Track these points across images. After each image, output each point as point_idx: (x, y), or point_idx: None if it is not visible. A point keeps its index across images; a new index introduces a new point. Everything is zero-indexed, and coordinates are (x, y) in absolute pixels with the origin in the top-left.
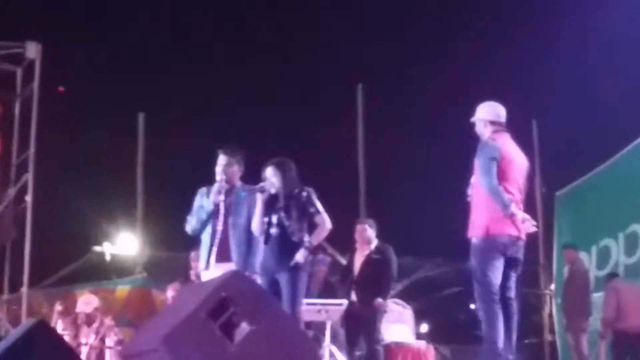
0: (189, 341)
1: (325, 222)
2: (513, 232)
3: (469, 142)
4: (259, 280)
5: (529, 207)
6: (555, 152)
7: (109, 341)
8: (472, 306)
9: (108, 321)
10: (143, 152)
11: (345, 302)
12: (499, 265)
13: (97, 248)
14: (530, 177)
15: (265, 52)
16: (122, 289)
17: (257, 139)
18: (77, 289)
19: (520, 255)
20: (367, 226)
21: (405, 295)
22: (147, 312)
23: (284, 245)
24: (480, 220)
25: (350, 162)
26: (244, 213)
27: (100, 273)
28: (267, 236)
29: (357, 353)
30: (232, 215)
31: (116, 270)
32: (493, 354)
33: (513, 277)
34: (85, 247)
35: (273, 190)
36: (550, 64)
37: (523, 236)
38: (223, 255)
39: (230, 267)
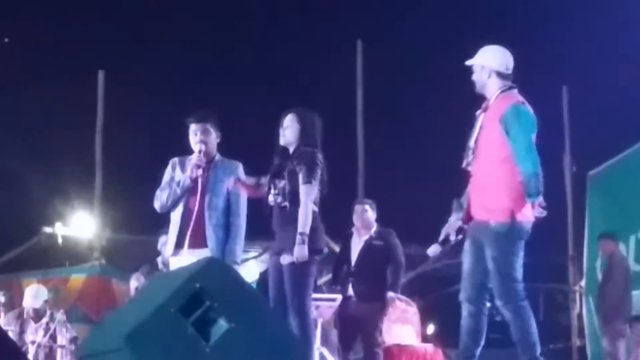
0: (157, 340)
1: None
2: (533, 216)
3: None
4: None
5: (557, 188)
6: (589, 124)
7: (61, 339)
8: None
9: (60, 315)
10: (103, 118)
11: (339, 297)
12: (522, 254)
13: (47, 229)
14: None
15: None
16: (77, 278)
17: (241, 105)
18: (24, 277)
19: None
20: (367, 207)
21: (409, 291)
22: (106, 305)
23: (290, 220)
24: (501, 203)
25: (348, 134)
26: (222, 192)
27: (50, 259)
28: (271, 207)
29: (352, 357)
30: (210, 193)
31: (70, 255)
32: None
33: None
34: (34, 228)
35: (284, 144)
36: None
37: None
38: (197, 240)
39: (205, 253)
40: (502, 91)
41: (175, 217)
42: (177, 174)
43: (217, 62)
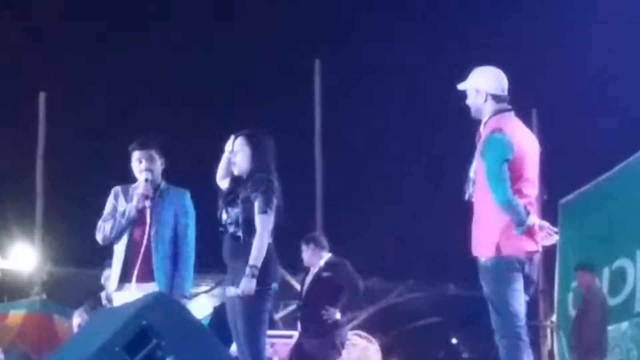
0: None
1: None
2: (531, 246)
3: (449, 132)
4: (188, 305)
5: None
6: (560, 150)
7: None
8: (454, 340)
9: None
10: (44, 142)
11: (295, 334)
12: (519, 287)
13: None
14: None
15: (202, 19)
16: (16, 314)
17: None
18: None
19: (535, 273)
20: (304, 246)
21: (370, 327)
22: (47, 343)
23: (243, 251)
24: (488, 236)
25: (306, 155)
26: (169, 222)
27: None
28: (224, 238)
29: None
30: (156, 224)
31: (9, 290)
32: None
33: (526, 299)
34: None
35: (235, 172)
36: (555, 43)
37: (539, 248)
38: (145, 273)
39: (153, 287)
40: (491, 116)
41: (120, 249)
42: (120, 204)
43: (167, 81)
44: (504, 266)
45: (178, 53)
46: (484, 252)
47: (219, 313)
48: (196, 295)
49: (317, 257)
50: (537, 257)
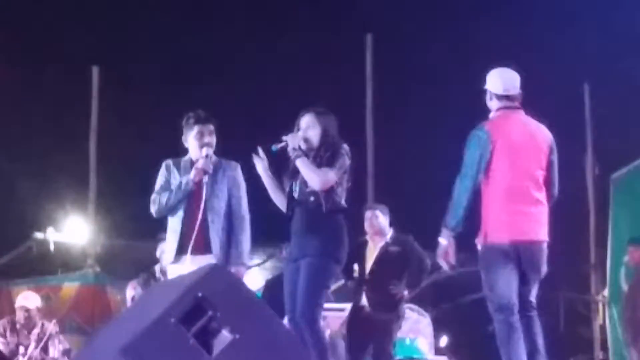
0: (156, 352)
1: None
2: (515, 236)
3: None
4: (244, 274)
5: (578, 192)
6: (612, 123)
7: (53, 351)
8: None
9: (52, 326)
10: (97, 116)
11: (347, 306)
12: (505, 273)
13: (38, 235)
14: (552, 151)
15: None
16: (70, 286)
17: (243, 103)
18: (13, 285)
19: (537, 259)
20: (378, 212)
21: (422, 300)
22: (100, 315)
23: (318, 223)
24: (481, 225)
25: (357, 133)
26: (224, 194)
27: (42, 266)
28: (291, 209)
29: None
30: (212, 196)
31: (62, 262)
32: None
33: (531, 287)
34: (24, 234)
35: (303, 146)
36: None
37: (540, 238)
38: (202, 246)
39: (209, 259)
40: (493, 114)
41: (175, 222)
42: (173, 177)
43: (220, 58)
44: (489, 253)
45: (232, 28)
46: (478, 240)
47: (271, 286)
48: (248, 268)
49: (383, 230)
50: (536, 247)
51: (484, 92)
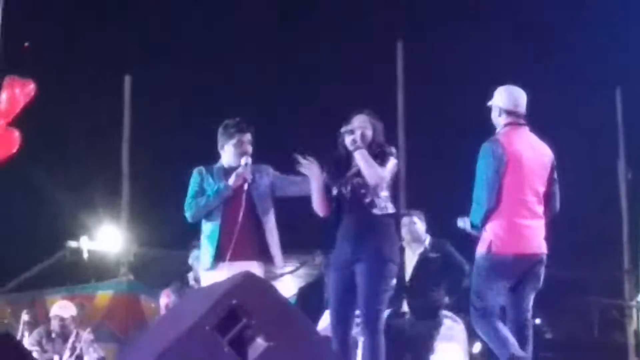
0: None
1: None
2: (519, 249)
3: (532, 112)
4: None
5: (611, 197)
6: None
7: (88, 359)
8: (537, 321)
9: (86, 334)
10: (130, 125)
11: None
12: (502, 286)
13: (72, 244)
14: (554, 168)
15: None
16: (104, 295)
17: (274, 109)
18: (48, 294)
19: (537, 271)
20: (415, 218)
21: (455, 307)
22: (134, 323)
23: (365, 224)
24: (485, 234)
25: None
26: (268, 196)
27: (76, 275)
28: (338, 213)
29: None
30: (260, 200)
31: (96, 271)
32: None
33: (530, 299)
34: (58, 243)
35: (360, 142)
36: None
37: (541, 251)
38: (240, 253)
39: (250, 266)
40: (501, 129)
41: (211, 229)
42: (207, 183)
43: (252, 61)
44: (490, 263)
45: (261, 36)
46: (480, 248)
47: (305, 294)
48: (281, 275)
49: (421, 237)
50: (535, 258)
51: (488, 108)
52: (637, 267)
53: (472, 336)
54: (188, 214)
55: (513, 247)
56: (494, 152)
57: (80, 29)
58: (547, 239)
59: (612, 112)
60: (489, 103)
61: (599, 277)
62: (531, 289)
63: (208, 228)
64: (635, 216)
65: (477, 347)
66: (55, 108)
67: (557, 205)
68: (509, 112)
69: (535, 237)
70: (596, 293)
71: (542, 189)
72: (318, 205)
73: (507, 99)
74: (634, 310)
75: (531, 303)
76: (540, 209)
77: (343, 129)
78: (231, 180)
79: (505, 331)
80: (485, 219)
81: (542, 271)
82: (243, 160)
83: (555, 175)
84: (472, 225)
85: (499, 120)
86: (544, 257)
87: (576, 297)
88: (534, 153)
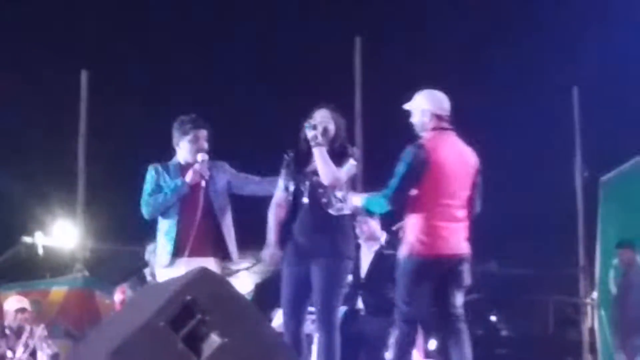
0: (144, 356)
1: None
2: (442, 250)
3: (490, 110)
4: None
5: (567, 194)
6: (602, 126)
7: (41, 355)
8: (493, 318)
9: (40, 330)
10: (86, 120)
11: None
12: (425, 288)
13: (26, 239)
14: (477, 173)
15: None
16: (58, 291)
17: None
18: (2, 290)
19: (460, 271)
20: (367, 218)
21: None
22: (89, 319)
23: (320, 222)
24: (406, 236)
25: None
26: (225, 193)
27: (30, 270)
28: (295, 209)
29: None
30: (217, 197)
31: (50, 267)
32: None
33: (456, 298)
34: (12, 238)
35: (320, 139)
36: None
37: (462, 251)
38: (198, 249)
39: (209, 262)
40: (428, 133)
41: (168, 225)
42: (163, 180)
43: (208, 58)
44: (411, 266)
45: (219, 29)
46: (401, 250)
47: (261, 290)
48: (237, 271)
49: (375, 234)
50: (456, 260)
51: (407, 112)
52: (593, 264)
53: (427, 333)
54: (145, 212)
55: (434, 248)
56: (417, 157)
57: (37, 21)
58: (470, 240)
59: (569, 111)
60: (407, 106)
61: (554, 275)
62: (456, 287)
63: (165, 225)
64: (591, 214)
65: (432, 344)
66: (10, 101)
67: (478, 208)
68: (435, 116)
69: (454, 238)
70: (551, 290)
71: (465, 193)
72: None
73: (432, 102)
74: (589, 308)
75: (460, 300)
76: (461, 212)
77: (306, 123)
78: (188, 177)
79: (412, 349)
80: (382, 213)
81: (466, 270)
82: (200, 157)
83: (479, 180)
84: (367, 210)
85: (426, 123)
86: (466, 256)
87: (531, 294)
88: (458, 158)
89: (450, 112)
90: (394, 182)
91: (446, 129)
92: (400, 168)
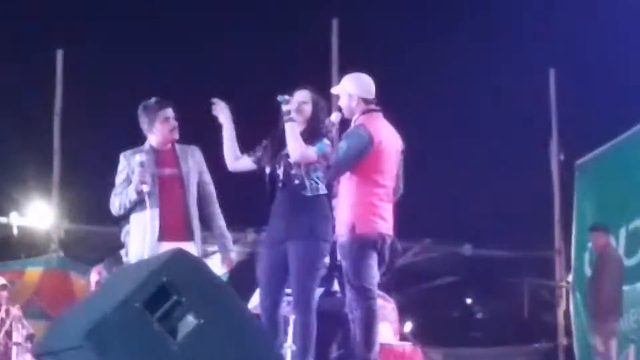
0: (120, 337)
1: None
2: (383, 228)
3: (466, 92)
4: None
5: (542, 177)
6: (578, 109)
7: (17, 336)
8: (469, 300)
9: (15, 311)
10: (61, 100)
11: (317, 291)
12: (372, 264)
13: (1, 220)
14: (402, 152)
15: None
16: (33, 271)
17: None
18: None
19: (387, 253)
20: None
21: (386, 286)
22: (64, 300)
23: (296, 203)
24: (346, 216)
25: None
26: (195, 181)
27: (5, 251)
28: (272, 190)
29: (332, 355)
30: (189, 185)
31: (25, 247)
32: None
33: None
34: None
35: (295, 116)
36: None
37: (391, 232)
38: (182, 234)
39: (191, 247)
40: (360, 115)
41: (142, 210)
42: (131, 170)
43: (184, 38)
44: (359, 244)
45: (196, 8)
46: (341, 231)
47: (237, 271)
48: (213, 253)
49: None
50: (389, 239)
51: (335, 96)
52: (568, 247)
53: (403, 315)
54: (111, 209)
55: (376, 226)
56: (361, 138)
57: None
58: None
59: (545, 93)
60: (334, 90)
61: (530, 257)
62: (390, 268)
63: (140, 208)
64: (567, 197)
65: (408, 327)
66: None
67: (401, 187)
68: (362, 99)
69: (391, 219)
70: (527, 273)
71: (396, 172)
72: (226, 154)
73: (360, 85)
74: (564, 291)
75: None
76: (391, 193)
77: (279, 97)
78: (135, 186)
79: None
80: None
81: (399, 250)
82: (171, 136)
83: (402, 158)
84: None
85: (354, 108)
86: (393, 239)
87: (506, 277)
88: (391, 138)
89: (375, 94)
90: (337, 159)
91: (376, 111)
92: (344, 146)
